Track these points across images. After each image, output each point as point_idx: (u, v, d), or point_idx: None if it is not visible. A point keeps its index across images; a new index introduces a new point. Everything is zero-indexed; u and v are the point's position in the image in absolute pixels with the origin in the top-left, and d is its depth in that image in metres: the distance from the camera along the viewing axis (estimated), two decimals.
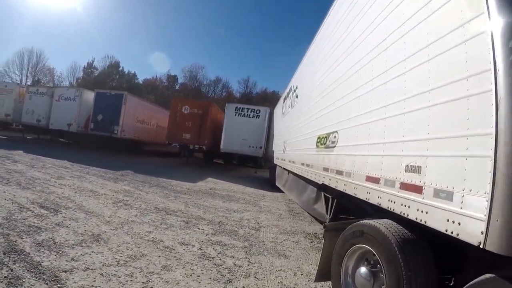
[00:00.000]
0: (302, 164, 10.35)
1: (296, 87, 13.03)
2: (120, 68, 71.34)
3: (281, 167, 15.80)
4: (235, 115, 26.23)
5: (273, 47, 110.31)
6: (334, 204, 7.92)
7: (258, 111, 26.37)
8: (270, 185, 20.35)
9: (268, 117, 26.12)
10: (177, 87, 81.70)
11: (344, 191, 6.14)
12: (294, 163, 11.79)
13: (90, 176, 14.04)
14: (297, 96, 12.63)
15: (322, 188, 8.72)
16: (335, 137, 6.97)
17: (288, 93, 15.59)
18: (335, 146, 6.89)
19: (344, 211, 7.73)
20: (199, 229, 8.22)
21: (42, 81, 68.65)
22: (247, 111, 26.39)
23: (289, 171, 13.76)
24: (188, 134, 26.21)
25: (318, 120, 8.63)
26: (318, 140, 8.35)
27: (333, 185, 6.90)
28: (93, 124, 27.64)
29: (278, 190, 17.58)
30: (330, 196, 8.16)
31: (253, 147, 25.87)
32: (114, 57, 73.06)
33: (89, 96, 29.09)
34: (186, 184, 16.18)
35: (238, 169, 31.54)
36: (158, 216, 8.91)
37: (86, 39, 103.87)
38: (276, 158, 18.58)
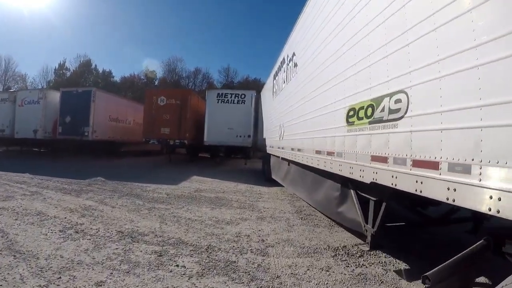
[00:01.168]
0: (317, 152, 7.45)
1: (293, 55, 10.14)
2: (93, 66, 67.24)
3: (278, 156, 12.90)
4: (218, 102, 23.30)
5: (252, 33, 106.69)
6: (383, 209, 5.09)
7: (243, 96, 23.39)
8: (264, 178, 17.59)
9: (254, 102, 23.29)
10: (156, 82, 78.11)
11: (434, 198, 3.48)
12: (301, 151, 8.94)
13: (48, 191, 11.16)
14: (295, 65, 9.70)
15: (353, 185, 6.09)
16: (400, 101, 4.02)
17: (279, 67, 12.68)
18: (401, 117, 3.95)
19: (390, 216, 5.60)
20: (177, 266, 5.28)
21: (13, 89, 64.63)
22: (231, 97, 23.43)
23: (290, 161, 10.91)
24: (167, 129, 23.17)
25: (352, 81, 5.69)
26: (352, 114, 5.46)
27: (404, 187, 3.98)
28: (61, 127, 24.75)
29: (274, 183, 14.91)
30: (374, 199, 5.28)
31: (240, 136, 23.01)
32: (87, 56, 68.78)
33: (55, 96, 26.01)
34: (166, 188, 13.29)
35: (226, 162, 28.76)
36: (119, 248, 5.96)
37: (57, 41, 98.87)
38: (269, 147, 15.66)
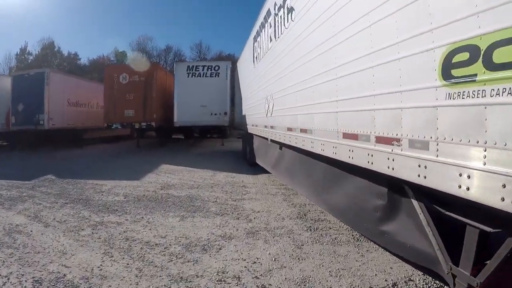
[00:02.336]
0: (349, 136, 4.44)
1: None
2: (56, 49, 61.91)
3: (265, 138, 9.91)
4: (188, 76, 20.13)
5: (224, 5, 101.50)
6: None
7: (216, 68, 20.26)
8: (247, 162, 14.63)
9: (230, 74, 20.26)
10: (126, 63, 73.68)
11: None
12: (307, 132, 5.86)
13: None
14: (290, 11, 6.57)
15: (419, 193, 3.60)
16: None
17: (263, 24, 9.61)
18: None
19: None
20: None
21: None
22: (203, 70, 20.27)
23: (283, 145, 8.04)
24: (131, 110, 19.90)
25: None
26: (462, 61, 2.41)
27: None
28: (14, 117, 20.98)
29: (260, 168, 12.12)
30: (488, 229, 2.42)
31: (215, 114, 20.07)
32: (51, 38, 63.45)
33: (6, 82, 21.99)
34: (126, 186, 10.32)
35: (201, 143, 25.72)
36: None
37: (21, 25, 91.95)
38: (251, 125, 12.71)
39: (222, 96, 20.08)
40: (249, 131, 13.48)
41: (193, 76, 19.99)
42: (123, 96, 19.93)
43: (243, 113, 15.51)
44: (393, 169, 3.40)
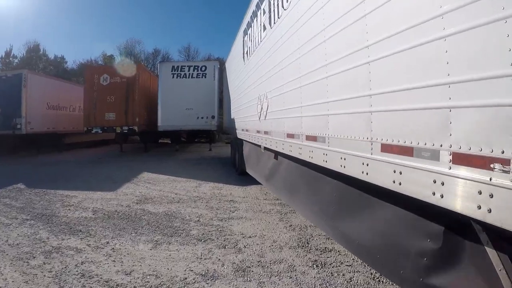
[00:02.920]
0: (390, 149, 2.98)
1: None
2: (41, 52, 59.94)
3: (257, 145, 8.52)
4: (173, 77, 18.67)
5: (213, 8, 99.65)
6: None
7: (203, 68, 18.86)
8: (236, 170, 13.19)
9: (218, 74, 18.87)
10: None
11: None
12: (322, 141, 4.27)
13: None
14: None
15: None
16: None
17: (254, 13, 8.20)
18: None
19: None
20: None
21: None
22: (189, 70, 18.86)
23: (278, 154, 6.68)
24: (112, 114, 18.44)
25: None
26: None
27: None
28: None
29: (248, 179, 10.73)
30: None
31: (202, 118, 18.65)
32: (37, 41, 61.28)
33: None
34: (99, 198, 9.01)
35: (188, 148, 24.34)
36: None
37: (5, 28, 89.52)
38: (241, 130, 11.29)
39: (210, 98, 18.67)
40: (238, 136, 12.06)
41: (179, 77, 18.54)
42: (104, 98, 18.44)
43: (232, 117, 14.11)
44: (479, 207, 2.00)
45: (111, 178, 12.01)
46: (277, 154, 6.85)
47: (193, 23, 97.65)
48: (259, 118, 7.76)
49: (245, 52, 9.93)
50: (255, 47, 8.29)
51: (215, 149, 22.19)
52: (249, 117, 9.50)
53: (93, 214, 7.38)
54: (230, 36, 16.05)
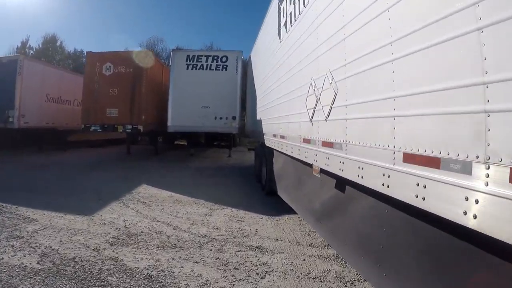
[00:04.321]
0: None
1: None
2: (58, 43, 57.98)
3: (301, 162, 5.42)
4: (188, 68, 15.66)
5: (237, 6, 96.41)
6: None
7: (224, 59, 15.76)
8: (261, 187, 10.19)
9: (241, 67, 15.84)
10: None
11: None
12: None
13: None
14: None
15: None
16: None
17: None
18: None
19: None
20: None
21: None
22: (207, 60, 15.79)
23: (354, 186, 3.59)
24: (115, 109, 15.62)
25: None
26: None
27: None
28: None
29: (279, 201, 7.70)
30: None
31: (221, 118, 15.55)
32: (55, 33, 59.24)
33: None
34: (62, 228, 6.18)
35: (204, 152, 21.38)
36: None
37: (27, 20, 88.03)
38: (272, 136, 8.20)
39: (231, 95, 15.62)
40: (267, 144, 8.99)
41: (194, 69, 15.54)
42: (105, 91, 15.68)
43: (258, 118, 11.05)
44: None
45: (98, 193, 9.19)
46: (343, 184, 3.79)
47: (218, 21, 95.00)
48: (311, 119, 4.68)
49: (283, 24, 6.90)
50: (302, 8, 5.21)
51: (235, 155, 19.13)
52: (286, 117, 6.45)
53: (38, 263, 4.58)
54: (254, 36, 12.97)
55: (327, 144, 3.98)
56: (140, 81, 15.52)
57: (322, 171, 4.28)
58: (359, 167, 3.10)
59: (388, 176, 2.62)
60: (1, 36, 77.78)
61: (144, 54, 16.04)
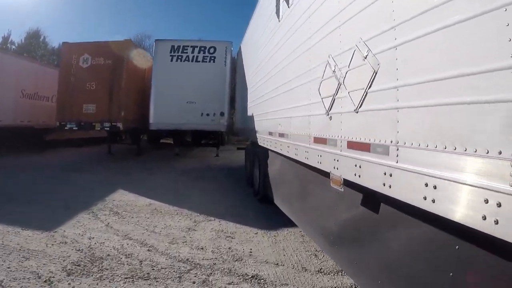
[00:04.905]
0: None
1: None
2: (41, 39, 55.88)
3: (309, 167, 4.22)
4: (172, 59, 14.39)
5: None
6: None
7: (212, 50, 14.50)
8: (253, 192, 8.99)
9: (230, 59, 14.63)
10: None
11: None
12: None
13: None
14: None
15: None
16: None
17: None
18: None
19: None
20: None
21: None
22: (193, 51, 14.51)
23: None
24: (92, 105, 14.19)
25: None
26: None
27: None
28: None
29: (276, 211, 6.48)
30: None
31: (208, 114, 14.26)
32: (38, 28, 57.20)
33: None
34: (15, 249, 4.89)
35: (190, 152, 20.05)
36: None
37: (10, 15, 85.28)
38: (267, 135, 7.00)
39: (219, 89, 14.36)
40: (260, 143, 7.78)
41: (179, 60, 14.25)
42: (82, 85, 14.26)
43: (249, 113, 9.84)
44: None
45: (68, 200, 7.94)
46: (376, 201, 2.68)
47: (207, 16, 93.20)
48: (328, 110, 3.48)
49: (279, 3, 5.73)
50: None
51: (223, 155, 17.83)
52: (288, 111, 5.26)
53: None
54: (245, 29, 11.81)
55: (359, 146, 2.79)
56: (120, 74, 14.14)
57: (348, 183, 3.08)
58: (425, 185, 1.91)
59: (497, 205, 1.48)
60: None
61: (125, 44, 14.60)
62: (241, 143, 16.54)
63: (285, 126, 5.39)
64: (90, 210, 7.14)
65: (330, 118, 3.44)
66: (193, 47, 14.47)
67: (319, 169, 3.78)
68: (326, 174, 3.53)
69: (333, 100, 3.35)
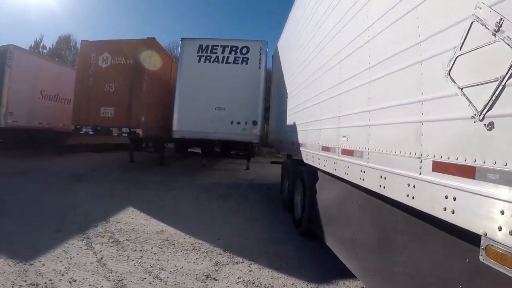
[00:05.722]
0: None
1: None
2: (72, 43, 55.71)
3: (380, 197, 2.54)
4: (200, 60, 12.93)
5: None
6: None
7: (244, 50, 12.92)
8: (292, 220, 7.18)
9: (265, 61, 12.98)
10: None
11: None
12: None
13: None
14: None
15: None
16: None
17: None
18: None
19: None
20: None
21: None
22: (223, 51, 12.98)
23: None
24: (110, 109, 12.89)
25: None
26: None
27: None
28: None
29: (327, 255, 4.70)
30: None
31: (238, 123, 12.64)
32: (70, 33, 57.11)
33: None
34: None
35: (218, 163, 18.56)
36: None
37: (46, 21, 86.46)
38: (317, 150, 5.25)
39: (252, 94, 12.68)
40: (307, 161, 6.03)
41: (208, 61, 12.75)
42: (101, 86, 13.04)
43: (289, 122, 8.17)
44: None
45: (64, 218, 6.53)
46: None
47: (237, 20, 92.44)
48: (482, 112, 1.75)
49: None
50: None
51: (254, 168, 16.18)
52: (363, 116, 3.50)
53: None
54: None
55: None
56: (141, 75, 12.71)
57: None
58: None
59: None
60: (21, 35, 76.70)
61: (148, 43, 13.14)
62: (274, 155, 14.92)
63: (355, 139, 3.64)
64: (86, 235, 5.62)
65: (489, 125, 1.72)
66: (224, 47, 12.94)
67: (446, 224, 2.04)
68: (466, 237, 1.82)
69: (500, 91, 1.64)
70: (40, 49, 53.98)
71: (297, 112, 7.38)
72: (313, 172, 5.61)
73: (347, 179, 3.77)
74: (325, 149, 4.80)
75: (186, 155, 20.53)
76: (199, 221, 6.97)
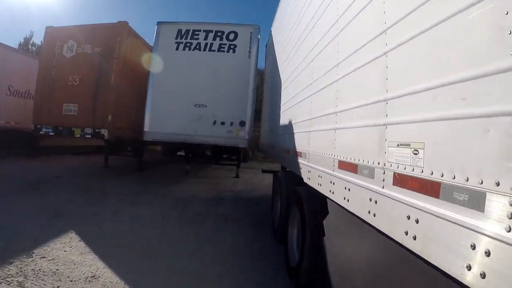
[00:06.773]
0: None
1: None
2: None
3: None
4: (178, 48, 11.00)
5: None
6: None
7: (232, 36, 10.97)
8: (280, 250, 5.08)
9: (256, 49, 10.99)
10: None
11: None
12: None
13: None
14: None
15: None
16: None
17: None
18: None
19: None
20: None
21: None
22: (206, 37, 11.04)
23: None
24: (74, 105, 10.95)
25: None
26: None
27: None
28: None
29: None
30: None
31: (222, 123, 10.63)
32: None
33: None
34: None
35: (204, 169, 16.52)
36: None
37: (33, 17, 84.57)
38: (330, 168, 3.25)
39: (240, 88, 10.71)
40: (310, 183, 3.98)
41: (187, 49, 10.83)
42: (64, 79, 11.12)
43: (283, 121, 6.22)
44: None
45: None
46: None
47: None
48: None
49: None
50: None
51: (245, 175, 14.25)
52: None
53: None
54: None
55: None
56: (110, 65, 10.74)
57: None
58: None
59: None
60: (9, 33, 74.67)
61: (119, 28, 11.09)
62: (269, 160, 12.97)
63: None
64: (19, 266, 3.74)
65: None
66: (207, 32, 10.96)
67: None
68: None
69: None
70: (30, 46, 52.16)
71: (293, 105, 5.37)
72: (318, 199, 3.61)
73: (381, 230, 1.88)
74: (340, 165, 2.80)
75: (174, 159, 18.45)
76: (153, 262, 4.90)
